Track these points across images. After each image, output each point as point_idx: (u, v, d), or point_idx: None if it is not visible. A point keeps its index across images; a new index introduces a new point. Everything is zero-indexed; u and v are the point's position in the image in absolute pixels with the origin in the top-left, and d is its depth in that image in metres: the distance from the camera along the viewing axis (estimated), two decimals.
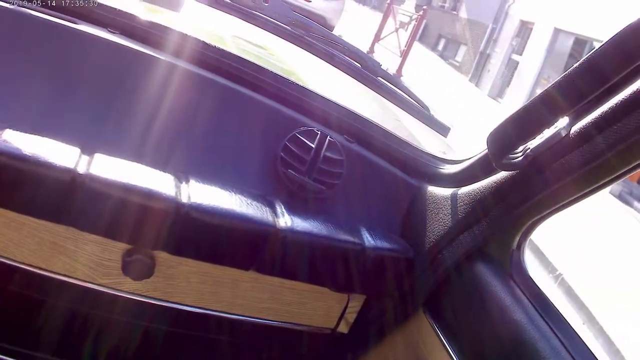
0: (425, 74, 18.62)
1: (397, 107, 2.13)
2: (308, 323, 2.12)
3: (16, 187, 1.56)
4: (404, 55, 17.33)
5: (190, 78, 1.92)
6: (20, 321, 1.97)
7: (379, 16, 22.83)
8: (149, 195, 1.62)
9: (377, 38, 18.82)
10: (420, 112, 2.16)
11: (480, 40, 24.86)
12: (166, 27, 1.98)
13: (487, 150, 1.79)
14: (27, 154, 1.53)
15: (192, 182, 1.74)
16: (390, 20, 18.88)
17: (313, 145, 1.95)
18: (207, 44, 2.00)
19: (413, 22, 18.94)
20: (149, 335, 2.09)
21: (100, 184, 1.58)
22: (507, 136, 1.61)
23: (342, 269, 1.89)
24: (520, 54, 21.50)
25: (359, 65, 2.09)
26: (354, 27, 20.00)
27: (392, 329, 2.05)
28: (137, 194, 1.61)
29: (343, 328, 2.16)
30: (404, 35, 18.75)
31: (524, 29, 21.89)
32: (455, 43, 28.40)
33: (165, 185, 1.66)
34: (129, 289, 1.89)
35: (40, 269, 1.80)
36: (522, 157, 1.61)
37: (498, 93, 22.01)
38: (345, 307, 2.11)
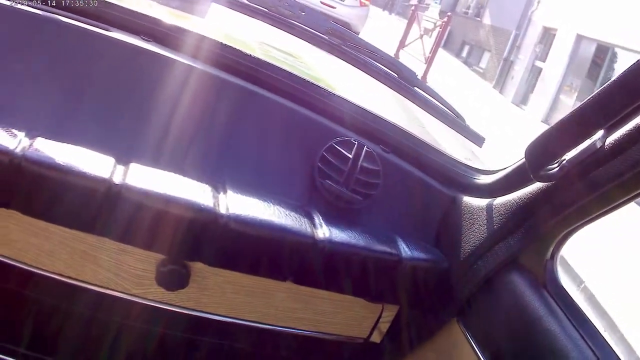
0: (450, 80, 18.55)
1: (433, 116, 2.12)
2: (341, 333, 2.11)
3: (49, 197, 1.56)
4: (429, 61, 17.27)
5: (226, 87, 1.92)
6: (52, 331, 1.97)
7: (403, 22, 22.83)
8: (188, 206, 1.62)
9: (401, 44, 18.79)
10: (455, 122, 2.15)
11: (504, 46, 24.75)
12: (201, 35, 1.99)
13: (522, 161, 1.82)
14: (61, 163, 1.52)
15: (229, 192, 1.74)
16: (414, 26, 18.86)
17: (350, 156, 1.94)
18: (243, 52, 2.00)
19: (437, 29, 18.89)
20: (181, 345, 2.09)
21: (137, 195, 1.58)
22: (545, 148, 1.63)
23: (379, 279, 1.89)
24: (544, 61, 21.36)
25: (396, 75, 2.09)
26: (379, 33, 19.97)
27: (425, 339, 2.05)
28: (175, 205, 1.61)
29: (376, 338, 2.15)
30: (428, 41, 18.71)
31: (547, 36, 21.77)
32: (479, 49, 28.29)
33: (204, 196, 1.66)
34: (162, 299, 1.89)
35: (71, 278, 1.80)
36: (557, 168, 1.60)
37: (522, 100, 21.89)
38: (379, 317, 2.11)
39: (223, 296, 1.92)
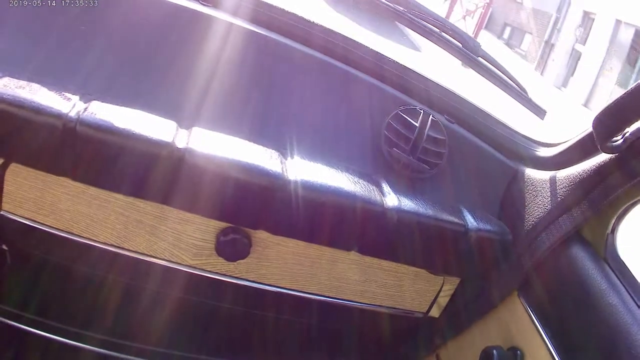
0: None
1: (497, 87, 2.09)
2: (401, 306, 2.10)
3: (106, 163, 1.53)
4: None
5: (292, 54, 1.90)
6: (103, 306, 1.97)
7: (445, 4, 22.66)
8: (255, 171, 1.59)
9: None
10: (519, 93, 2.12)
11: (545, 29, 24.52)
12: (269, 4, 1.95)
13: (584, 135, 1.82)
14: (120, 127, 1.49)
15: (296, 158, 1.72)
16: (457, 7, 18.71)
17: (417, 124, 1.91)
18: (308, 20, 1.97)
19: (479, 10, 18.73)
20: (240, 317, 2.09)
21: (201, 160, 1.55)
22: (612, 120, 1.61)
23: (444, 250, 1.87)
24: (584, 44, 21.15)
25: (460, 45, 2.06)
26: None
27: (485, 313, 2.03)
28: (242, 170, 1.58)
29: (435, 312, 2.14)
30: (471, 22, 18.56)
31: (587, 19, 21.54)
32: (520, 32, 28.02)
33: (271, 162, 1.63)
34: (221, 270, 1.86)
35: (124, 249, 1.78)
36: (621, 140, 1.59)
37: (563, 82, 21.70)
38: (439, 291, 2.09)
39: (284, 267, 1.90)
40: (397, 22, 2.06)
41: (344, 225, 1.72)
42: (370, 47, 2.02)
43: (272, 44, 1.87)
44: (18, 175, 1.64)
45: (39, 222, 1.72)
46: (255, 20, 1.90)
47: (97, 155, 1.51)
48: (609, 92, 17.91)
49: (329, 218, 1.69)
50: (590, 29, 20.93)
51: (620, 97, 1.58)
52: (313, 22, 1.98)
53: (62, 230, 1.73)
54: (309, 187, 1.63)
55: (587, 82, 19.37)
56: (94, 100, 1.55)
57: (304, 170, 1.67)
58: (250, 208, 1.66)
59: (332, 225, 1.72)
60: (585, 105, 18.75)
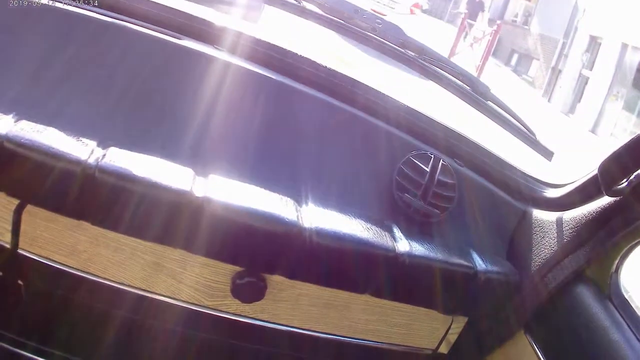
0: (500, 88, 18.45)
1: (506, 130, 2.14)
2: (411, 344, 2.12)
3: (125, 209, 1.55)
4: (479, 70, 17.23)
5: (304, 100, 1.93)
6: (121, 344, 1.98)
7: (452, 30, 22.73)
8: (271, 219, 1.62)
9: (452, 53, 18.72)
10: (527, 136, 2.16)
11: (552, 55, 24.50)
12: (276, 45, 2.00)
13: (590, 176, 1.86)
14: (139, 175, 1.52)
15: (311, 205, 1.76)
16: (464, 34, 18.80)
17: (427, 169, 1.95)
18: (319, 63, 2.01)
19: (487, 37, 18.81)
20: (253, 357, 2.10)
21: (219, 208, 1.58)
22: (618, 165, 1.67)
23: (453, 291, 1.91)
24: (590, 69, 21.12)
25: (469, 89, 2.10)
26: (428, 41, 19.93)
27: (492, 350, 2.06)
28: (258, 218, 1.61)
29: (443, 349, 2.17)
30: (478, 49, 18.64)
31: (593, 44, 21.50)
32: (527, 58, 28.02)
33: (287, 209, 1.66)
34: (236, 311, 1.88)
35: (141, 290, 1.80)
36: (626, 184, 1.65)
37: (570, 109, 21.65)
38: (448, 328, 2.12)
39: (298, 308, 1.92)
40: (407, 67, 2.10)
41: (358, 271, 1.76)
42: (383, 92, 2.06)
43: (287, 90, 1.91)
44: (36, 215, 1.66)
45: (56, 262, 1.74)
46: (270, 66, 1.95)
47: (116, 202, 1.54)
48: (617, 117, 17.89)
49: (343, 264, 1.73)
50: (597, 53, 20.90)
51: (626, 143, 1.64)
52: (329, 68, 2.02)
53: (80, 271, 1.75)
54: (324, 234, 1.67)
55: (594, 108, 19.29)
56: (112, 146, 1.58)
57: (318, 217, 1.71)
58: (266, 254, 1.70)
59: (346, 270, 1.76)
60: (593, 131, 18.70)
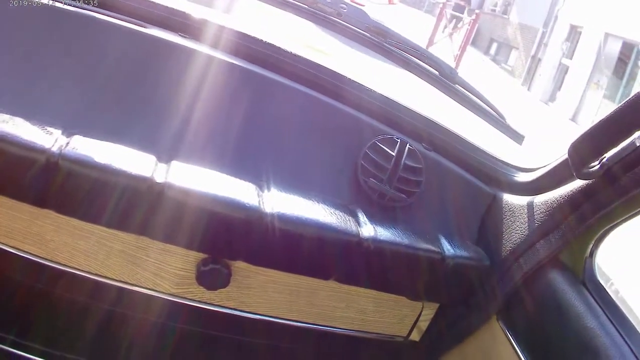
0: (479, 77, 18.51)
1: (474, 113, 2.11)
2: (381, 331, 2.12)
3: (88, 196, 1.54)
4: (458, 59, 17.25)
5: (266, 84, 1.92)
6: (86, 332, 1.97)
7: (431, 19, 22.77)
8: (233, 205, 1.61)
9: (430, 42, 18.74)
10: (496, 119, 2.14)
11: (531, 44, 24.63)
12: (240, 31, 1.98)
13: (562, 160, 1.84)
14: (101, 162, 1.51)
15: (273, 190, 1.74)
16: (443, 23, 18.82)
17: (393, 154, 1.93)
18: (283, 49, 2.00)
19: (465, 27, 18.84)
20: (221, 344, 2.10)
21: (179, 194, 1.57)
22: (588, 147, 1.64)
23: (421, 278, 1.89)
24: (570, 58, 21.24)
25: (437, 73, 2.08)
26: (407, 31, 19.99)
27: (465, 337, 2.04)
28: (220, 204, 1.61)
29: (415, 336, 2.16)
30: (457, 38, 18.67)
31: (574, 33, 21.63)
32: (507, 47, 28.17)
33: (248, 195, 1.65)
34: (202, 299, 1.88)
35: (107, 278, 1.80)
36: (598, 166, 1.62)
37: (550, 97, 21.77)
38: (419, 315, 2.11)
39: (264, 295, 1.92)
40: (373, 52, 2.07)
41: (321, 256, 1.75)
42: (348, 76, 2.04)
43: (249, 75, 1.90)
44: (3, 205, 1.65)
45: (24, 251, 1.74)
46: (233, 52, 1.92)
47: (79, 188, 1.53)
48: (597, 105, 17.98)
49: (305, 249, 1.71)
50: (577, 42, 21.02)
51: (596, 124, 1.62)
52: (292, 52, 2.00)
53: (46, 260, 1.75)
54: (286, 220, 1.65)
55: (575, 96, 19.41)
56: (76, 134, 1.57)
57: (280, 202, 1.70)
58: (228, 240, 1.69)
59: (309, 255, 1.74)
60: (573, 119, 18.80)
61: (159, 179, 1.56)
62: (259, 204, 1.65)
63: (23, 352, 1.97)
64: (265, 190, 1.73)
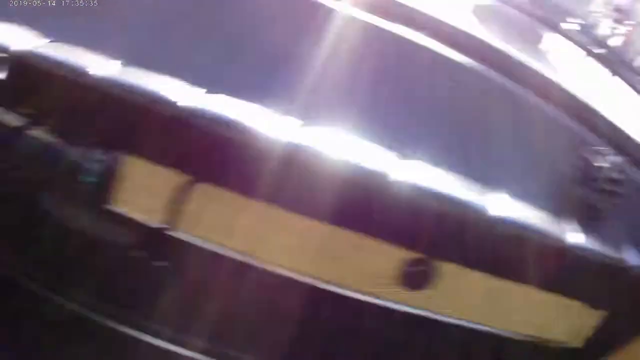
0: None
1: None
2: (549, 336, 2.11)
3: (307, 189, 1.60)
4: None
5: (486, 83, 1.93)
6: (274, 332, 1.95)
7: None
8: (458, 204, 1.65)
9: None
10: None
11: None
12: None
13: None
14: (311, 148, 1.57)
15: (494, 192, 1.77)
16: None
17: (600, 165, 1.94)
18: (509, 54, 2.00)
19: None
20: (413, 348, 2.06)
21: (409, 189, 1.62)
22: None
23: (605, 285, 1.93)
24: None
25: None
26: None
27: (629, 344, 2.07)
28: (444, 202, 1.65)
29: (579, 342, 2.13)
30: None
31: None
32: None
33: (472, 195, 1.69)
34: (400, 299, 1.86)
35: (302, 273, 1.80)
36: None
37: None
38: (587, 321, 2.09)
39: (467, 300, 1.92)
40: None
41: (529, 260, 1.78)
42: (562, 84, 2.04)
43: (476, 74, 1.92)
44: (202, 196, 1.70)
45: (210, 242, 1.77)
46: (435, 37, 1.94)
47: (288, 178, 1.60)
48: None
49: (517, 253, 1.76)
50: None
51: None
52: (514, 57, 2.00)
53: (241, 254, 1.78)
54: (508, 223, 1.71)
55: None
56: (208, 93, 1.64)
57: (500, 205, 1.73)
58: (444, 241, 1.73)
59: (519, 259, 1.78)
60: None
61: (380, 173, 1.61)
62: (484, 206, 1.68)
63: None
64: (487, 192, 1.76)
